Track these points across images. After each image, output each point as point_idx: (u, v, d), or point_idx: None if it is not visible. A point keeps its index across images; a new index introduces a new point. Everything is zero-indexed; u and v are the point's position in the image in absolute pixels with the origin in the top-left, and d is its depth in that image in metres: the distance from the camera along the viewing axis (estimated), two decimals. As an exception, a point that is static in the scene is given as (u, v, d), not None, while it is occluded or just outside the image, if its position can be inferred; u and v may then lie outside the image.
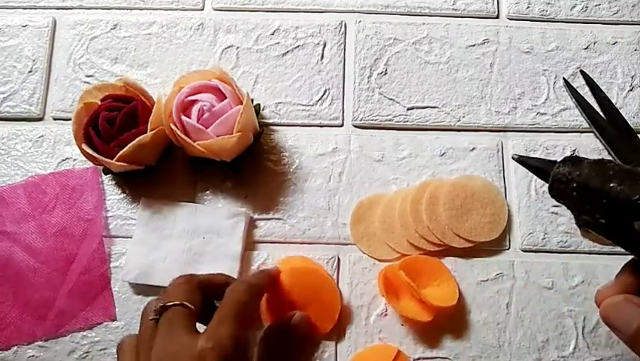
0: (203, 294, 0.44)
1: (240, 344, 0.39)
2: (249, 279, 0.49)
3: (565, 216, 0.57)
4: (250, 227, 0.58)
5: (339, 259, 0.56)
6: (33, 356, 0.54)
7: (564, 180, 0.32)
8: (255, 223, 0.58)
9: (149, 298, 0.55)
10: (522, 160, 0.36)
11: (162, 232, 0.56)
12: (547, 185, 0.58)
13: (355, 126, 0.61)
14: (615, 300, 0.31)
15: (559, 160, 0.34)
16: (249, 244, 0.57)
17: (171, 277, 0.54)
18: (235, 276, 0.55)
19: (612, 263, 0.56)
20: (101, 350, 0.54)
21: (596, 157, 0.57)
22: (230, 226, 0.56)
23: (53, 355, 0.54)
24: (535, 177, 0.58)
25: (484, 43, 0.64)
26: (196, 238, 0.56)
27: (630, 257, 0.35)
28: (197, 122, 0.53)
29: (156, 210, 0.57)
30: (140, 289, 0.56)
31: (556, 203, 0.57)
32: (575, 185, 0.31)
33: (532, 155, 0.59)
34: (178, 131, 0.53)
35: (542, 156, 0.59)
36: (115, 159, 0.52)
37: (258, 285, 0.47)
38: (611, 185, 0.29)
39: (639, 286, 0.33)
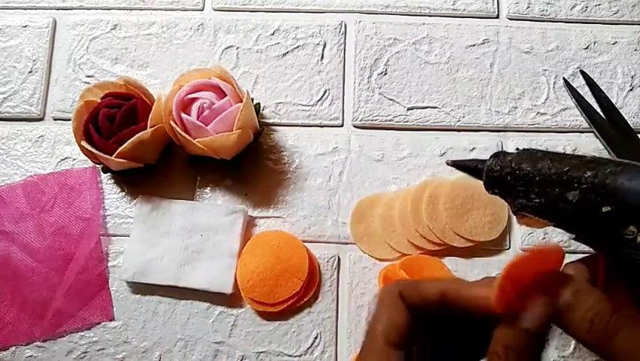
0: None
1: None
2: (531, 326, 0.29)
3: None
4: (249, 225, 0.57)
5: (339, 258, 0.56)
6: (31, 356, 0.54)
7: (497, 169, 0.33)
8: (255, 222, 0.58)
9: (147, 298, 0.55)
10: (456, 164, 0.37)
11: (160, 229, 0.56)
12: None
13: (355, 126, 0.61)
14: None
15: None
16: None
17: (168, 276, 0.55)
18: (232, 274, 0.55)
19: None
20: (99, 350, 0.54)
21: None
22: (229, 224, 0.56)
23: (51, 355, 0.54)
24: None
25: (484, 43, 0.64)
26: (194, 236, 0.56)
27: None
28: (197, 119, 0.53)
29: (154, 208, 0.57)
30: (138, 288, 0.56)
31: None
32: (507, 170, 0.32)
33: None
34: (178, 129, 0.52)
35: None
36: (114, 155, 0.52)
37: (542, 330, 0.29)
38: (541, 164, 0.31)
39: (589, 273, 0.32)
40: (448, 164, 0.37)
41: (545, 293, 0.29)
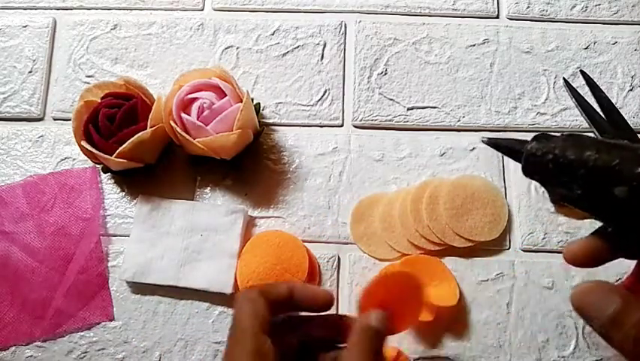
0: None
1: None
2: (374, 323, 0.36)
3: (565, 216, 0.57)
4: (249, 225, 0.57)
5: (339, 258, 0.56)
6: (31, 356, 0.54)
7: (539, 155, 0.31)
8: (255, 222, 0.58)
9: (147, 298, 0.55)
10: (492, 142, 0.34)
11: (160, 229, 0.56)
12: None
13: (355, 126, 0.61)
14: (587, 287, 0.30)
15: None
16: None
17: (168, 276, 0.55)
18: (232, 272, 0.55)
19: (612, 263, 0.55)
20: (99, 350, 0.54)
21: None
22: (229, 223, 0.56)
23: (51, 355, 0.54)
24: (535, 176, 0.58)
25: (484, 43, 0.64)
26: (194, 236, 0.56)
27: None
28: (197, 119, 0.53)
29: (154, 208, 0.57)
30: (138, 288, 0.56)
31: (556, 203, 0.57)
32: (550, 157, 0.30)
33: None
34: (178, 129, 0.52)
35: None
36: (114, 155, 0.52)
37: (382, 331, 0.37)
38: (588, 153, 0.29)
39: (607, 252, 0.32)
40: (483, 142, 0.35)
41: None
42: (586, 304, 0.29)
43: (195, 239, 0.56)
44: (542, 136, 0.32)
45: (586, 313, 0.29)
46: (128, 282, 0.56)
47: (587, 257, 0.32)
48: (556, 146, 0.30)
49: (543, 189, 0.57)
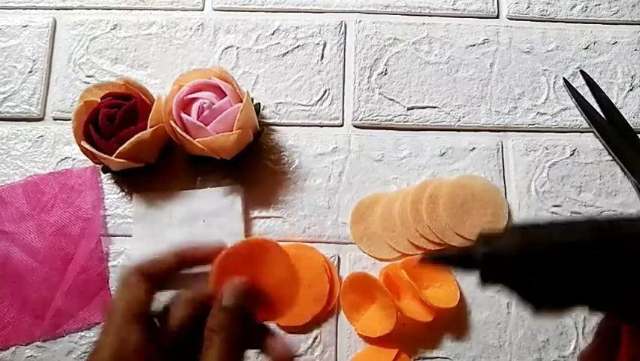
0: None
1: None
2: (227, 301, 0.35)
3: (565, 216, 0.57)
4: (249, 225, 0.57)
5: (339, 258, 0.56)
6: (31, 356, 0.54)
7: (496, 257, 0.27)
8: (255, 221, 0.58)
9: (148, 298, 0.55)
10: (437, 258, 0.30)
11: (161, 223, 0.57)
12: (547, 184, 0.58)
13: (355, 126, 0.61)
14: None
15: (478, 251, 0.28)
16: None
17: None
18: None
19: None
20: (99, 350, 0.54)
21: (594, 159, 0.58)
22: (228, 204, 0.57)
23: (52, 355, 0.54)
24: (535, 176, 0.58)
25: (484, 43, 0.64)
26: (196, 223, 0.56)
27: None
28: (197, 119, 0.53)
29: (151, 204, 0.57)
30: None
31: (556, 203, 0.57)
32: (515, 255, 0.27)
33: (531, 155, 0.59)
34: (178, 129, 0.52)
35: (542, 156, 0.59)
36: (114, 155, 0.52)
37: (238, 305, 0.35)
38: (555, 236, 0.26)
39: (616, 346, 0.30)
40: (425, 260, 0.30)
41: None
42: None
43: (198, 226, 0.56)
44: (483, 236, 0.28)
45: None
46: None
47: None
48: (515, 241, 0.27)
49: (544, 189, 0.58)
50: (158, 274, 0.36)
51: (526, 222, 0.28)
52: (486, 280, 0.28)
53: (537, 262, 0.26)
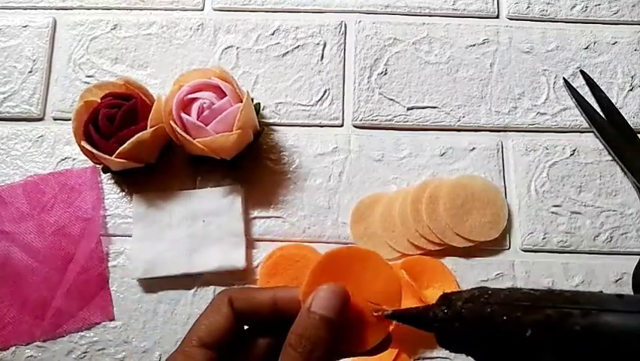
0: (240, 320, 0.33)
1: None
2: (322, 312, 0.30)
3: (565, 216, 0.57)
4: (249, 225, 0.57)
5: (339, 258, 0.56)
6: (31, 356, 0.54)
7: (447, 327, 0.28)
8: (255, 221, 0.58)
9: (148, 298, 0.55)
10: (396, 315, 0.30)
11: (161, 223, 0.57)
12: (547, 184, 0.58)
13: (355, 126, 0.61)
14: None
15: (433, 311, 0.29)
16: (249, 242, 0.57)
17: (179, 265, 0.55)
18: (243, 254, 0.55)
19: (612, 262, 0.56)
20: (99, 350, 0.54)
21: (594, 159, 0.58)
22: (228, 204, 0.57)
23: (52, 355, 0.54)
24: (535, 176, 0.58)
25: (484, 43, 0.64)
26: (196, 223, 0.56)
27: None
28: (197, 119, 0.53)
29: (151, 205, 0.57)
30: (138, 288, 0.56)
31: (556, 203, 0.57)
32: (459, 329, 0.27)
33: (531, 155, 0.59)
34: (178, 129, 0.52)
35: (542, 156, 0.59)
36: (114, 155, 0.52)
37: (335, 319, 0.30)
38: (496, 323, 0.26)
39: None
40: (385, 317, 0.30)
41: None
42: None
43: (198, 226, 0.56)
44: (442, 300, 0.29)
45: None
46: (139, 280, 0.56)
47: None
48: (460, 313, 0.27)
49: (544, 189, 0.58)
50: (247, 311, 0.32)
51: (484, 290, 0.28)
52: (441, 343, 0.28)
53: (479, 338, 0.27)
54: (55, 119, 0.62)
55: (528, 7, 0.65)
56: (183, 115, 0.53)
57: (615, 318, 0.23)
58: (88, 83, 0.63)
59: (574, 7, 0.66)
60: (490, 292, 0.28)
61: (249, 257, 0.56)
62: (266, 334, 0.33)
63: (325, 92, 0.62)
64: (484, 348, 0.27)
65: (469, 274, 0.55)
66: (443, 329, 0.28)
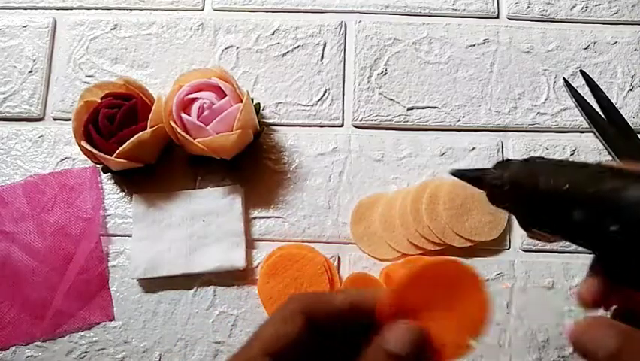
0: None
1: None
2: (396, 351, 0.28)
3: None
4: (249, 225, 0.57)
5: (339, 258, 0.56)
6: (31, 356, 0.54)
7: (498, 184, 0.31)
8: (255, 221, 0.58)
9: (148, 298, 0.55)
10: (457, 173, 0.35)
11: (161, 224, 0.57)
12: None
13: (355, 126, 0.61)
14: (586, 323, 0.28)
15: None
16: (249, 242, 0.57)
17: (179, 265, 0.55)
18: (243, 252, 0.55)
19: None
20: (99, 350, 0.54)
21: (594, 159, 0.58)
22: (228, 204, 0.57)
23: (52, 355, 0.54)
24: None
25: (484, 43, 0.64)
26: (196, 223, 0.56)
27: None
28: (197, 119, 0.53)
29: (151, 205, 0.57)
30: (138, 288, 0.56)
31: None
32: (508, 187, 0.31)
33: (531, 155, 0.59)
34: (178, 129, 0.52)
35: (543, 156, 0.59)
36: (114, 155, 0.52)
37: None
38: (540, 180, 0.29)
39: (607, 287, 0.30)
40: (450, 173, 0.35)
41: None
42: (584, 342, 0.28)
43: (198, 226, 0.56)
44: (499, 163, 0.32)
45: (584, 350, 0.28)
46: (139, 280, 0.56)
47: (594, 298, 0.30)
48: (510, 174, 0.31)
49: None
50: (324, 319, 0.30)
51: (535, 158, 0.31)
52: (491, 200, 0.32)
53: (524, 195, 0.30)
54: (55, 119, 0.62)
55: (528, 7, 0.65)
56: (183, 115, 0.53)
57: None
58: (88, 83, 0.63)
59: (574, 7, 0.66)
60: (541, 158, 0.31)
61: (249, 257, 0.56)
62: (334, 340, 0.32)
63: (325, 92, 0.62)
64: (525, 204, 0.30)
65: (469, 274, 0.55)
66: (494, 186, 0.32)
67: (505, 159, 0.32)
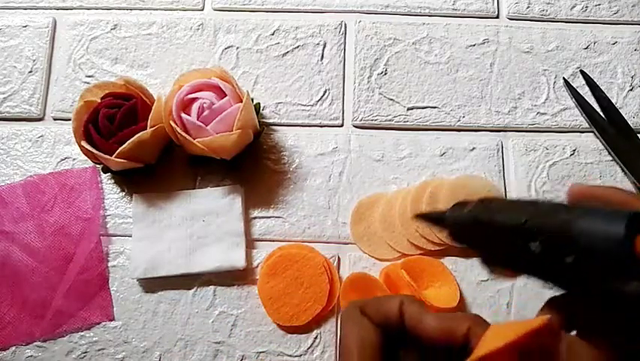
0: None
1: None
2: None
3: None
4: (249, 225, 0.57)
5: (339, 258, 0.56)
6: (31, 356, 0.54)
7: (457, 223, 0.32)
8: (255, 221, 0.58)
9: (148, 298, 0.55)
10: (420, 216, 0.37)
11: (161, 223, 0.57)
12: (547, 184, 0.58)
13: (355, 126, 0.61)
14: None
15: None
16: (249, 242, 0.57)
17: (179, 265, 0.55)
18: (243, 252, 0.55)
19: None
20: (99, 350, 0.54)
21: (594, 159, 0.58)
22: (228, 204, 0.57)
23: (51, 355, 0.54)
24: (535, 176, 0.58)
25: (484, 43, 0.64)
26: (196, 223, 0.56)
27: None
28: (197, 119, 0.53)
29: (151, 204, 0.57)
30: (139, 288, 0.56)
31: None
32: (467, 225, 0.31)
33: (531, 155, 0.59)
34: (178, 129, 0.52)
35: (542, 156, 0.59)
36: (114, 155, 0.52)
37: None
38: (497, 216, 0.29)
39: (564, 319, 0.29)
40: (412, 219, 0.36)
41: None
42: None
43: (198, 226, 0.56)
44: (458, 205, 0.33)
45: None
46: (138, 280, 0.56)
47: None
48: (469, 211, 0.31)
49: (544, 189, 0.58)
50: (382, 323, 0.32)
51: (490, 198, 0.32)
52: (453, 239, 0.33)
53: (484, 232, 0.30)
54: (55, 119, 0.62)
55: (528, 7, 0.65)
56: (183, 115, 0.53)
57: (595, 220, 0.25)
58: (88, 83, 0.63)
59: (574, 7, 0.66)
60: (495, 197, 0.32)
61: (249, 257, 0.56)
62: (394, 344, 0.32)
63: (325, 92, 0.62)
64: (485, 240, 0.30)
65: (469, 274, 0.55)
66: (454, 225, 0.32)
67: (461, 200, 0.32)
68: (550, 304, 0.30)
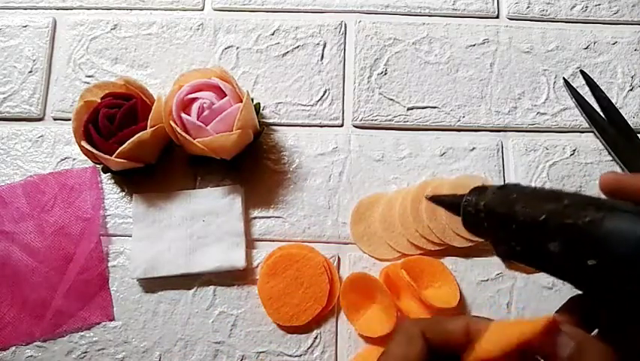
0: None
1: None
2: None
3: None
4: (249, 225, 0.57)
5: (339, 258, 0.56)
6: (31, 356, 0.54)
7: (472, 212, 0.30)
8: (255, 221, 0.58)
9: (148, 298, 0.55)
10: (435, 199, 0.35)
11: (161, 223, 0.57)
12: (547, 184, 0.58)
13: (355, 126, 0.61)
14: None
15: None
16: (249, 242, 0.57)
17: (179, 265, 0.55)
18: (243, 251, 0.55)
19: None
20: (99, 350, 0.54)
21: (594, 159, 0.58)
22: (228, 204, 0.57)
23: (51, 355, 0.54)
24: (535, 176, 0.58)
25: (484, 43, 0.64)
26: (196, 223, 0.56)
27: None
28: (197, 119, 0.53)
29: (151, 204, 0.57)
30: (139, 288, 0.56)
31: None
32: (482, 215, 0.30)
33: (531, 155, 0.59)
34: (178, 129, 0.52)
35: (542, 156, 0.59)
36: (114, 155, 0.52)
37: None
38: (516, 209, 0.28)
39: (585, 319, 0.29)
40: (426, 198, 0.35)
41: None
42: (543, 346, 0.27)
43: (198, 226, 0.56)
44: (475, 189, 0.31)
45: (544, 354, 0.27)
46: (138, 280, 0.56)
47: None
48: (487, 202, 0.30)
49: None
50: (442, 344, 0.31)
51: (510, 184, 0.30)
52: (466, 227, 0.32)
53: (499, 223, 0.29)
54: (55, 119, 0.62)
55: (528, 7, 0.65)
56: (183, 115, 0.53)
57: (622, 220, 0.24)
58: (88, 83, 0.63)
59: (574, 7, 0.66)
60: (517, 185, 0.30)
61: (249, 257, 0.56)
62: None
63: (325, 92, 0.62)
64: (501, 232, 0.29)
65: (469, 274, 0.55)
66: (469, 214, 0.31)
67: (481, 185, 0.32)
68: (570, 304, 0.30)
